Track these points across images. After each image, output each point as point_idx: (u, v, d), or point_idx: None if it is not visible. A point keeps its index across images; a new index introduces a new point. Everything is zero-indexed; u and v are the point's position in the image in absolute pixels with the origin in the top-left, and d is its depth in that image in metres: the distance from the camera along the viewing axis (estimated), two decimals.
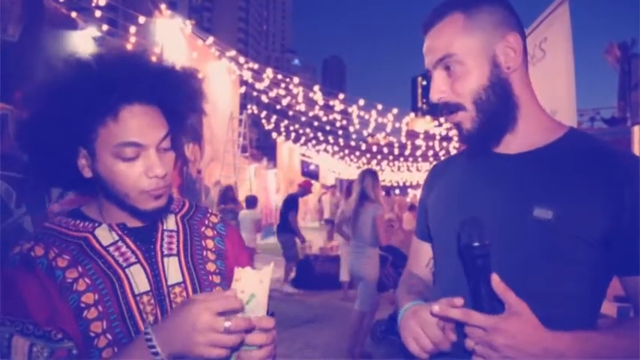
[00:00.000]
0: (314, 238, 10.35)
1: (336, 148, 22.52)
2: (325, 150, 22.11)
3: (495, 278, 0.95)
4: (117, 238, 1.05)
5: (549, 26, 2.75)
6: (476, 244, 0.96)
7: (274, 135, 17.27)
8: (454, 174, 1.25)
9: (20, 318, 0.92)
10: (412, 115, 18.44)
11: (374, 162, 26.87)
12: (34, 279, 0.95)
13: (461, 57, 1.08)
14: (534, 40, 2.89)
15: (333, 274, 7.81)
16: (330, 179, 31.51)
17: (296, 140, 19.94)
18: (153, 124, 1.01)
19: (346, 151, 24.52)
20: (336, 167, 28.89)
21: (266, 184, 16.03)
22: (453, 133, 18.32)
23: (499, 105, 1.09)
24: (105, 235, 1.05)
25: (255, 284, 0.94)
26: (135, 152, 0.98)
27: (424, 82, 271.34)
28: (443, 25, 1.10)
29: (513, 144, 1.12)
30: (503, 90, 1.09)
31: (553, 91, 2.64)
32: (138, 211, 1.03)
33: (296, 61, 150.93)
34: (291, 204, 8.30)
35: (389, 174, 31.16)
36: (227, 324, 0.85)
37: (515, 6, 1.13)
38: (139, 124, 0.98)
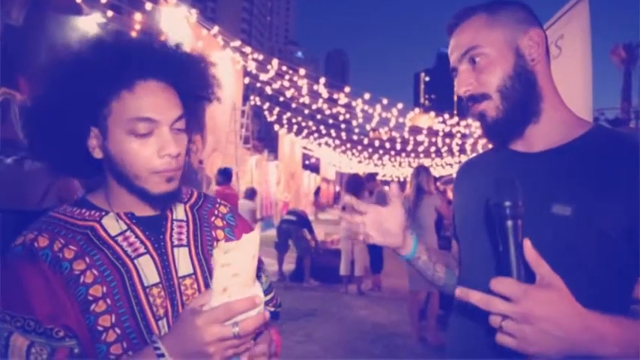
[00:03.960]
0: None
1: (337, 142, 22.48)
2: (327, 143, 22.07)
3: (527, 244, 0.86)
4: (125, 227, 1.01)
5: (566, 23, 2.70)
6: (507, 203, 0.88)
7: (276, 127, 17.22)
8: (478, 174, 1.26)
9: (21, 313, 0.88)
10: (417, 110, 18.39)
11: (375, 157, 26.86)
12: (37, 271, 0.91)
13: (486, 48, 1.11)
14: (550, 37, 2.84)
15: (333, 267, 7.81)
16: (331, 172, 31.49)
17: (298, 133, 19.91)
18: (167, 102, 0.98)
19: (348, 145, 24.49)
20: (337, 160, 28.89)
21: (267, 176, 16.00)
22: (457, 130, 18.30)
23: (524, 94, 1.11)
24: (112, 225, 1.01)
25: (247, 260, 0.86)
26: (148, 128, 0.95)
27: (427, 78, 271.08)
28: (467, 25, 1.15)
29: (536, 141, 1.13)
30: (527, 80, 1.11)
31: (567, 89, 2.60)
32: (147, 195, 0.99)
33: (299, 54, 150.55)
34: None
35: (390, 169, 31.16)
36: (235, 330, 0.83)
37: (531, 4, 1.19)
38: (153, 100, 0.96)
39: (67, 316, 0.90)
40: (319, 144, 22.17)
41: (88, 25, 6.81)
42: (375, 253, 8.09)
